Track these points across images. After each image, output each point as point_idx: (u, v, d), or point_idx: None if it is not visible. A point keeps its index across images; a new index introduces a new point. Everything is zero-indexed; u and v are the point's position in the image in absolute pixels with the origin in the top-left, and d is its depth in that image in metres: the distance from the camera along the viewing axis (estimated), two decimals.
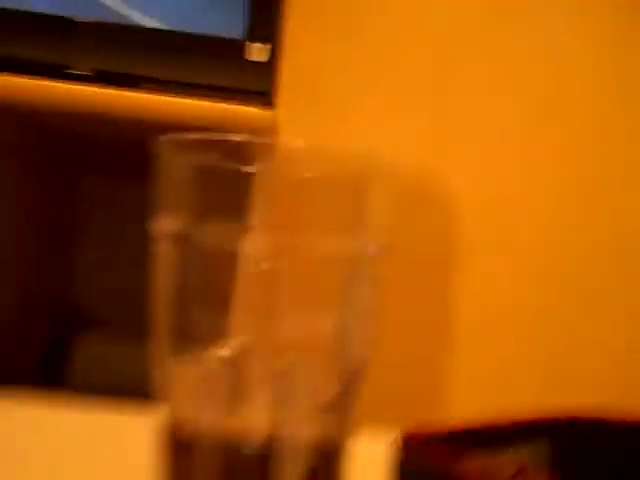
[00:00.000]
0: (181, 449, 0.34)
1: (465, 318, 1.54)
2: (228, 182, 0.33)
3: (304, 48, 1.48)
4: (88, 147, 1.34)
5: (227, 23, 1.11)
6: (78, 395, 1.15)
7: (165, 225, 0.33)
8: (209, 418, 0.33)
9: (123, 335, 1.22)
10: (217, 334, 0.33)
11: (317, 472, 0.33)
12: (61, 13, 1.14)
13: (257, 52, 1.08)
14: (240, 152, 0.34)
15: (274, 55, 1.09)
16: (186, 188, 0.33)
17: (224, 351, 0.33)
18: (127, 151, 1.31)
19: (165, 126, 1.03)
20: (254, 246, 0.32)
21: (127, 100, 1.08)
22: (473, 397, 1.52)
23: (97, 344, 1.22)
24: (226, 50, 1.10)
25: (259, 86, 1.09)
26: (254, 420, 0.33)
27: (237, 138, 0.33)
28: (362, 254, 0.34)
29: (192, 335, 0.33)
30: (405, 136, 1.50)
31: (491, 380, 1.54)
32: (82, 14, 1.14)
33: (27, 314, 1.24)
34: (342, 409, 0.34)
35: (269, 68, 1.09)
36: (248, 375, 0.33)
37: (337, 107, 1.54)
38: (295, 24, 1.15)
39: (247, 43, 1.09)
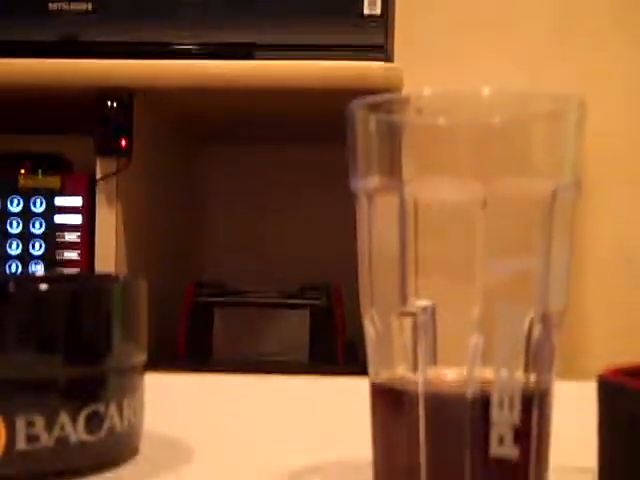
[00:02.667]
0: (396, 403, 0.35)
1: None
2: (418, 138, 0.34)
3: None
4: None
5: None
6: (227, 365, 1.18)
7: (366, 184, 0.34)
8: (419, 371, 0.34)
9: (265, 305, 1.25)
10: (416, 290, 0.34)
11: (528, 414, 0.34)
12: None
13: (370, 5, 1.08)
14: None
15: (386, 7, 1.08)
16: (385, 146, 0.34)
17: (425, 302, 0.33)
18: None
19: (291, 91, 1.05)
20: (454, 194, 0.33)
21: (243, 69, 1.09)
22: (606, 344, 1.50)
23: (241, 313, 1.25)
24: (338, 7, 1.10)
25: (374, 40, 1.09)
26: (462, 368, 0.34)
27: (427, 94, 0.34)
28: (559, 195, 0.34)
29: (396, 291, 0.34)
30: (520, 81, 1.48)
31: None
32: None
33: (173, 284, 1.27)
34: (545, 353, 0.34)
35: (383, 21, 1.09)
36: (451, 323, 0.34)
37: (450, 56, 1.53)
38: None
39: None
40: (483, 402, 0.33)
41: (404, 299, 0.34)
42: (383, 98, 0.34)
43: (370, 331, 0.36)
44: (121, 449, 0.42)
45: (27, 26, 1.17)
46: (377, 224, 0.35)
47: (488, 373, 0.33)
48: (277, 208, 1.57)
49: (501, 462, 0.33)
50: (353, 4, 1.09)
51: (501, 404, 0.33)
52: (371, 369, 0.36)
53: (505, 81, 1.49)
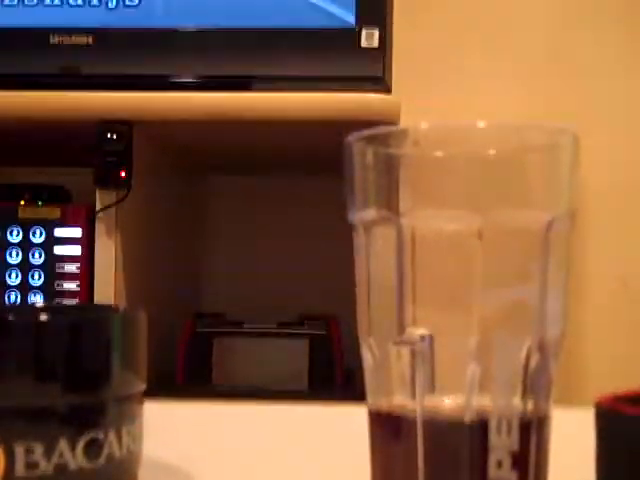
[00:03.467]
0: (394, 430, 0.35)
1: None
2: (416, 170, 0.34)
3: (411, 30, 1.48)
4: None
5: (335, 13, 1.12)
6: (228, 392, 1.18)
7: (364, 216, 0.35)
8: (417, 398, 0.34)
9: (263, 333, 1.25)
10: (413, 319, 0.34)
11: (526, 440, 0.34)
12: (162, 25, 1.17)
13: (368, 38, 1.09)
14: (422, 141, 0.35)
15: (384, 40, 1.10)
16: (382, 178, 0.34)
17: (423, 331, 0.34)
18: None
19: (291, 122, 1.05)
20: (451, 225, 0.33)
21: (243, 102, 1.10)
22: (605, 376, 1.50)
23: (240, 343, 1.25)
24: (336, 40, 1.11)
25: (372, 72, 1.10)
26: (460, 396, 0.34)
27: (424, 127, 0.34)
28: (555, 225, 0.34)
29: (394, 320, 0.35)
30: (522, 114, 1.49)
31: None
32: (183, 23, 1.16)
33: (172, 315, 1.27)
34: (543, 380, 0.35)
35: (380, 53, 1.10)
36: (448, 352, 0.34)
37: (448, 87, 1.54)
38: (400, 7, 1.16)
39: (358, 31, 1.10)
40: (481, 428, 0.33)
41: (402, 328, 0.34)
42: (380, 131, 0.35)
43: (368, 359, 0.36)
44: (120, 476, 0.42)
45: (28, 59, 1.18)
46: (375, 255, 0.35)
47: (486, 401, 0.33)
48: (276, 239, 1.58)
49: None
50: (351, 37, 1.10)
51: (499, 429, 0.33)
52: (369, 397, 0.36)
53: (503, 108, 1.50)
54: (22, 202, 1.22)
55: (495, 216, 0.33)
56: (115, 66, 1.17)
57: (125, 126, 1.11)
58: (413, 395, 0.34)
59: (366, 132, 0.35)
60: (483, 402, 0.33)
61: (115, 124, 1.11)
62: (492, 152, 0.33)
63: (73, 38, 1.16)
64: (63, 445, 0.39)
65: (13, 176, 1.31)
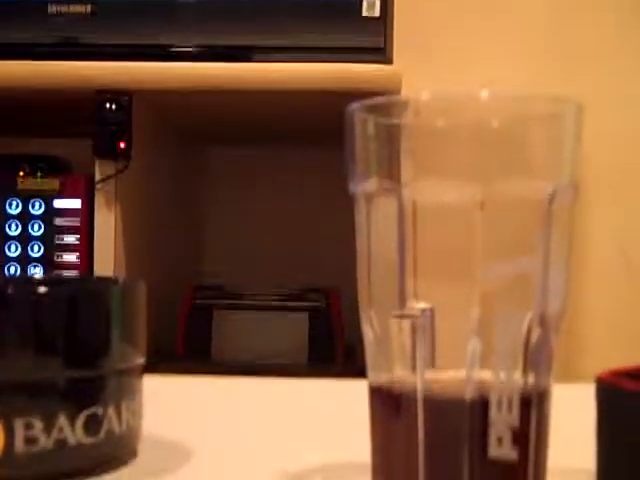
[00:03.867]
0: (395, 404, 0.35)
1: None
2: (417, 140, 0.34)
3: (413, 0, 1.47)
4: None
5: None
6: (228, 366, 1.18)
7: (365, 186, 0.34)
8: (418, 373, 0.34)
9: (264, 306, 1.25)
10: (412, 290, 0.34)
11: (526, 416, 0.34)
12: None
13: (369, 8, 1.08)
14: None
15: (385, 10, 1.09)
16: (383, 149, 0.34)
17: (424, 305, 0.33)
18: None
19: (292, 92, 1.05)
20: (453, 196, 0.33)
21: (243, 72, 1.09)
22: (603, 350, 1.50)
23: (240, 315, 1.25)
24: (337, 9, 1.10)
25: (373, 42, 1.09)
26: (461, 370, 0.34)
27: (425, 97, 0.34)
28: (557, 197, 0.34)
29: (394, 293, 0.34)
30: (519, 84, 1.48)
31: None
32: None
33: (172, 288, 1.27)
34: (544, 355, 0.34)
35: (382, 23, 1.09)
36: (449, 325, 0.34)
37: (449, 58, 1.53)
38: None
39: (359, 0, 1.09)
40: (482, 403, 0.33)
41: (403, 301, 0.34)
42: (382, 100, 0.34)
43: (369, 333, 0.36)
44: (120, 451, 0.42)
45: (26, 28, 1.17)
46: (376, 226, 0.35)
47: (486, 375, 0.33)
48: (276, 210, 1.57)
49: (500, 463, 0.33)
50: (352, 6, 1.09)
51: (499, 405, 0.33)
52: (370, 371, 0.36)
53: (504, 81, 1.49)
54: (21, 173, 1.21)
55: (497, 186, 0.32)
56: (114, 36, 1.16)
57: (125, 96, 1.11)
58: (413, 369, 0.34)
59: (367, 102, 0.34)
60: (484, 377, 0.33)
61: (114, 94, 1.10)
62: (494, 122, 0.33)
63: (71, 7, 1.15)
64: (62, 420, 0.39)
65: (12, 147, 1.30)
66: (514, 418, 0.33)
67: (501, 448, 0.33)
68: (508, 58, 1.54)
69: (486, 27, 1.55)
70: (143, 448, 0.44)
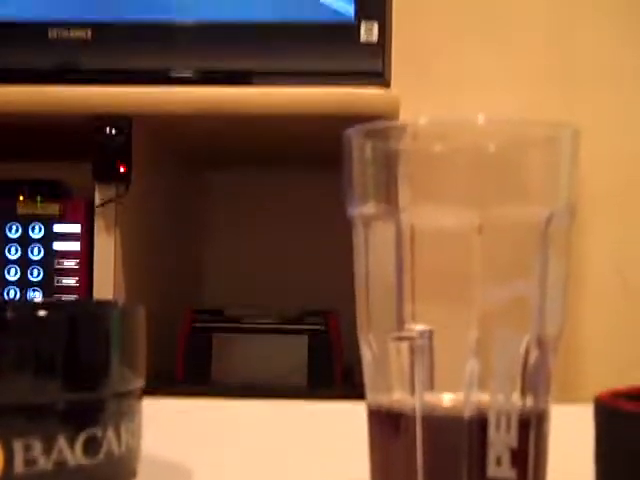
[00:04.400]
0: (394, 426, 0.35)
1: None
2: (415, 164, 0.34)
3: (411, 25, 1.48)
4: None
5: (335, 6, 1.12)
6: (228, 390, 1.18)
7: (363, 210, 0.35)
8: (416, 394, 0.34)
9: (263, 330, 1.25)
10: (410, 312, 0.34)
11: (525, 436, 0.34)
12: (161, 19, 1.16)
13: (367, 32, 1.09)
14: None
15: (383, 34, 1.09)
16: (381, 173, 0.34)
17: (422, 327, 0.34)
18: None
19: (287, 117, 1.05)
20: (450, 220, 0.33)
21: (242, 96, 1.10)
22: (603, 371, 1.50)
23: (239, 339, 1.25)
24: (336, 34, 1.11)
25: (372, 66, 1.10)
26: (459, 392, 0.34)
27: (423, 121, 0.34)
28: (554, 220, 0.34)
29: (393, 316, 0.34)
30: (521, 110, 1.49)
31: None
32: (181, 17, 1.16)
33: (171, 311, 1.27)
34: (542, 376, 0.35)
35: (380, 48, 1.10)
36: (447, 347, 0.34)
37: (447, 83, 1.54)
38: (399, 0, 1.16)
39: (357, 25, 1.10)
40: (480, 424, 0.33)
41: (401, 324, 0.34)
42: (379, 125, 0.35)
43: (367, 355, 0.36)
44: (119, 473, 0.42)
45: (26, 53, 1.18)
46: (374, 250, 0.35)
47: (485, 397, 0.33)
48: (275, 234, 1.58)
49: None
50: (350, 31, 1.10)
51: (498, 425, 0.33)
52: (368, 393, 0.36)
53: (502, 106, 1.50)
54: (21, 198, 1.22)
55: (494, 211, 0.33)
56: (114, 60, 1.17)
57: (124, 120, 1.11)
58: (412, 391, 0.34)
59: (365, 126, 0.35)
60: (482, 398, 0.33)
61: (114, 119, 1.11)
62: (491, 147, 0.33)
63: (71, 32, 1.16)
64: (62, 442, 0.39)
65: (12, 171, 1.30)
66: (512, 439, 0.33)
67: (500, 468, 0.33)
68: (507, 83, 1.55)
69: (484, 52, 1.56)
70: (142, 469, 0.44)
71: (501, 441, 0.33)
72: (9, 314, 0.41)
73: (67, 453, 0.39)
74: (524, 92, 1.54)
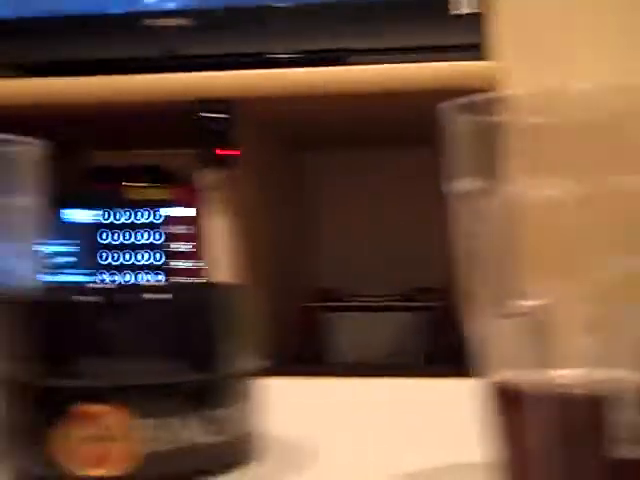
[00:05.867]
0: (509, 403, 0.34)
1: None
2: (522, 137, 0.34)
3: None
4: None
5: None
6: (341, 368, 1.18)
7: (463, 185, 0.34)
8: (531, 369, 0.34)
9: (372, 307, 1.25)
10: (520, 288, 0.34)
11: None
12: (256, 2, 1.17)
13: (458, 4, 1.07)
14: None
15: (477, 5, 1.08)
16: (479, 147, 0.34)
17: (535, 302, 0.33)
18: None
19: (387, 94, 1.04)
20: (560, 192, 0.32)
21: (338, 76, 1.10)
22: None
23: (352, 317, 1.25)
24: (430, 8, 1.10)
25: (468, 39, 1.08)
26: (576, 368, 0.33)
27: (523, 93, 0.34)
28: None
29: (497, 291, 0.34)
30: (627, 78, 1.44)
31: None
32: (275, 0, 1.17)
33: (284, 292, 1.28)
34: None
35: (475, 19, 1.08)
36: (564, 323, 0.33)
37: (554, 54, 1.50)
38: None
39: None
40: (602, 402, 0.32)
41: (512, 299, 0.33)
42: (477, 98, 0.34)
43: (478, 333, 0.35)
44: (242, 452, 0.43)
45: (127, 43, 1.20)
46: (477, 225, 0.35)
47: (604, 374, 0.33)
48: (388, 211, 1.57)
49: (625, 463, 0.32)
50: (447, 4, 1.09)
51: (622, 404, 0.32)
52: (483, 371, 0.35)
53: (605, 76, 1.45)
54: (132, 184, 1.25)
55: (606, 181, 0.32)
56: (211, 46, 1.18)
57: (225, 105, 1.12)
58: (527, 368, 0.33)
59: (462, 100, 0.34)
60: (601, 375, 0.33)
61: (216, 103, 1.12)
62: (596, 116, 0.32)
63: (168, 20, 1.18)
64: (187, 421, 0.40)
65: (120, 159, 1.34)
66: (634, 416, 0.32)
67: (622, 447, 0.32)
68: (612, 53, 1.50)
69: (592, 22, 1.52)
70: (266, 448, 0.44)
71: (626, 419, 0.32)
72: (140, 299, 0.42)
73: (192, 432, 0.40)
74: (632, 58, 1.49)
